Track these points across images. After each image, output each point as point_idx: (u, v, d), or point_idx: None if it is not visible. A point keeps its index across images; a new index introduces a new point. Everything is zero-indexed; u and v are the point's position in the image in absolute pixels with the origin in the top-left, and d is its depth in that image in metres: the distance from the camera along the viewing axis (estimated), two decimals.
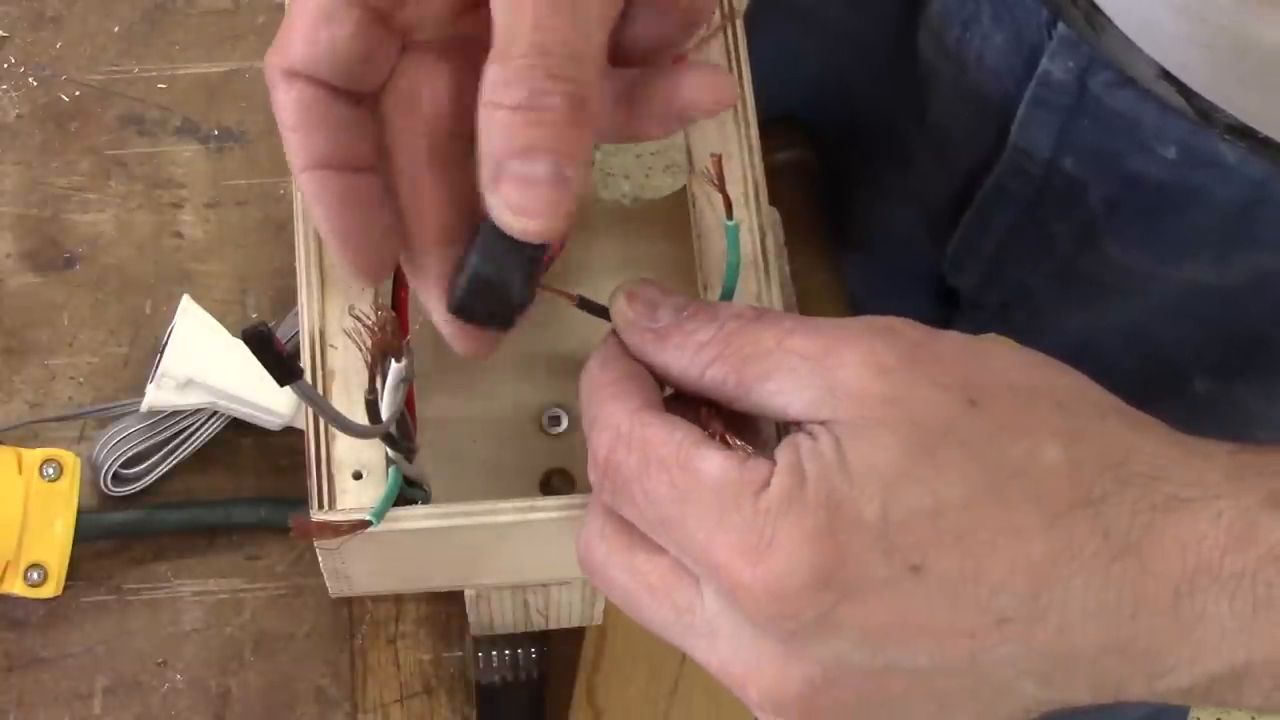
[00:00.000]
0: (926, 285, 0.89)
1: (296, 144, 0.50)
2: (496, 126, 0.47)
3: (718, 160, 0.54)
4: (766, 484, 0.45)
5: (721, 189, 0.54)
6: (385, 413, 0.52)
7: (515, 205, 0.47)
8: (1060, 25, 0.67)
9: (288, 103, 0.50)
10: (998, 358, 0.47)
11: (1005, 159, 0.73)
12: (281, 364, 0.46)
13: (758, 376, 0.47)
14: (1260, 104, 0.62)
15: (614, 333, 0.51)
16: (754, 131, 0.61)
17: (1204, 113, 0.64)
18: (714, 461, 0.45)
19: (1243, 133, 0.63)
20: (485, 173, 0.48)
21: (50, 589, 0.65)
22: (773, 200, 0.61)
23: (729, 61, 0.62)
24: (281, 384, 0.47)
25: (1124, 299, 0.75)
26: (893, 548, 0.43)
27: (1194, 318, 0.74)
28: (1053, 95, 0.69)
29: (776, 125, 0.91)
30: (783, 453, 0.45)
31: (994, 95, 0.72)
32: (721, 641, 0.46)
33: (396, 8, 0.50)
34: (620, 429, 0.47)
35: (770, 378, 0.47)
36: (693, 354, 0.48)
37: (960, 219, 0.80)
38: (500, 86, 0.47)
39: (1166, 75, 0.64)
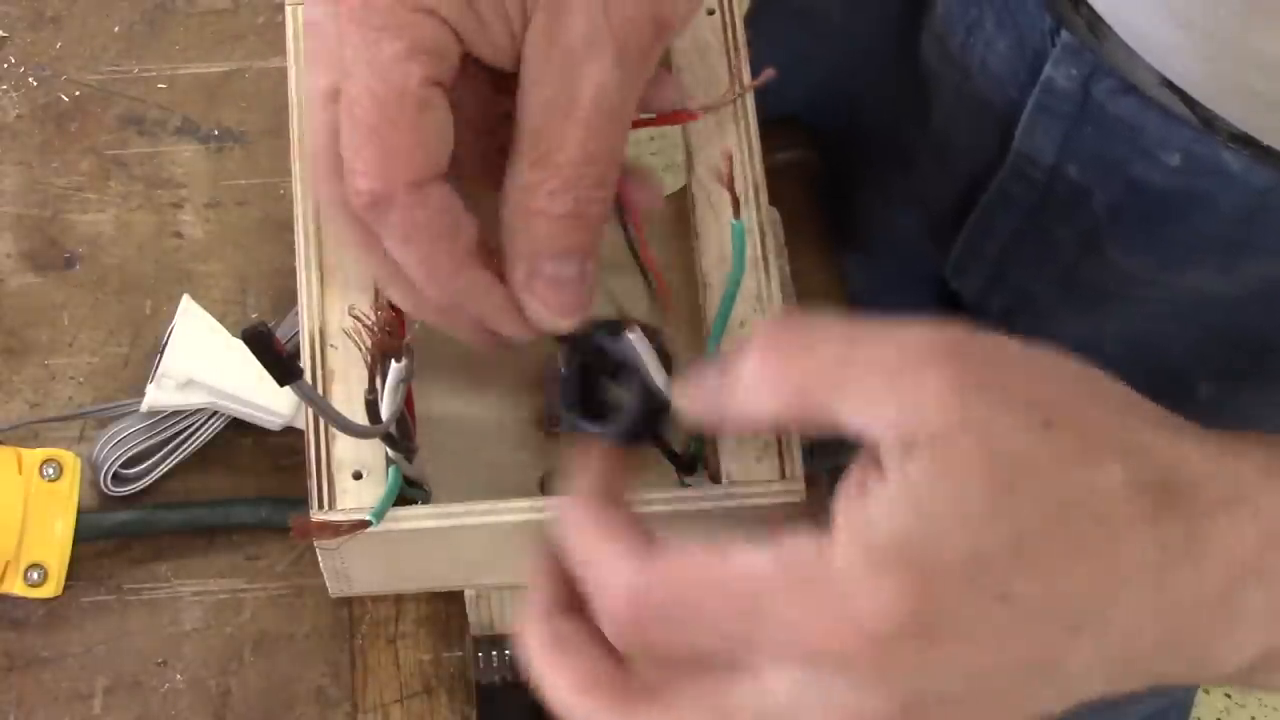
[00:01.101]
0: (929, 287, 0.89)
1: (446, 252, 0.50)
2: (537, 231, 0.49)
3: (729, 160, 0.54)
4: (818, 554, 0.43)
5: (730, 188, 0.54)
6: (385, 413, 0.52)
7: (553, 306, 0.50)
8: (1063, 33, 0.67)
9: (429, 215, 0.49)
10: (1062, 370, 0.47)
11: (1008, 164, 0.73)
12: (281, 364, 0.46)
13: (828, 399, 0.45)
14: (1263, 115, 0.62)
15: (582, 467, 0.50)
16: (754, 132, 0.61)
17: (1207, 121, 0.64)
18: (752, 557, 0.44)
19: (1246, 141, 0.63)
20: (519, 274, 0.50)
21: (50, 589, 0.65)
22: (773, 200, 0.61)
23: (729, 64, 0.62)
24: (281, 384, 0.47)
25: (1127, 305, 0.75)
26: (980, 584, 0.43)
27: (1198, 324, 0.74)
28: (1056, 102, 0.69)
29: (777, 125, 0.91)
30: (846, 500, 0.44)
31: (997, 101, 0.72)
32: (811, 712, 0.44)
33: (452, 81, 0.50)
34: (634, 582, 0.45)
35: (845, 398, 0.45)
36: (752, 394, 0.46)
37: (963, 223, 0.80)
38: (544, 194, 0.49)
39: (1169, 84, 0.64)
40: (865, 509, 0.44)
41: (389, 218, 0.49)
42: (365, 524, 0.54)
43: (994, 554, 0.43)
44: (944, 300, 0.88)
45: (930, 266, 0.86)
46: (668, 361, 0.52)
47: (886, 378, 0.44)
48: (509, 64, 0.50)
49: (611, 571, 0.46)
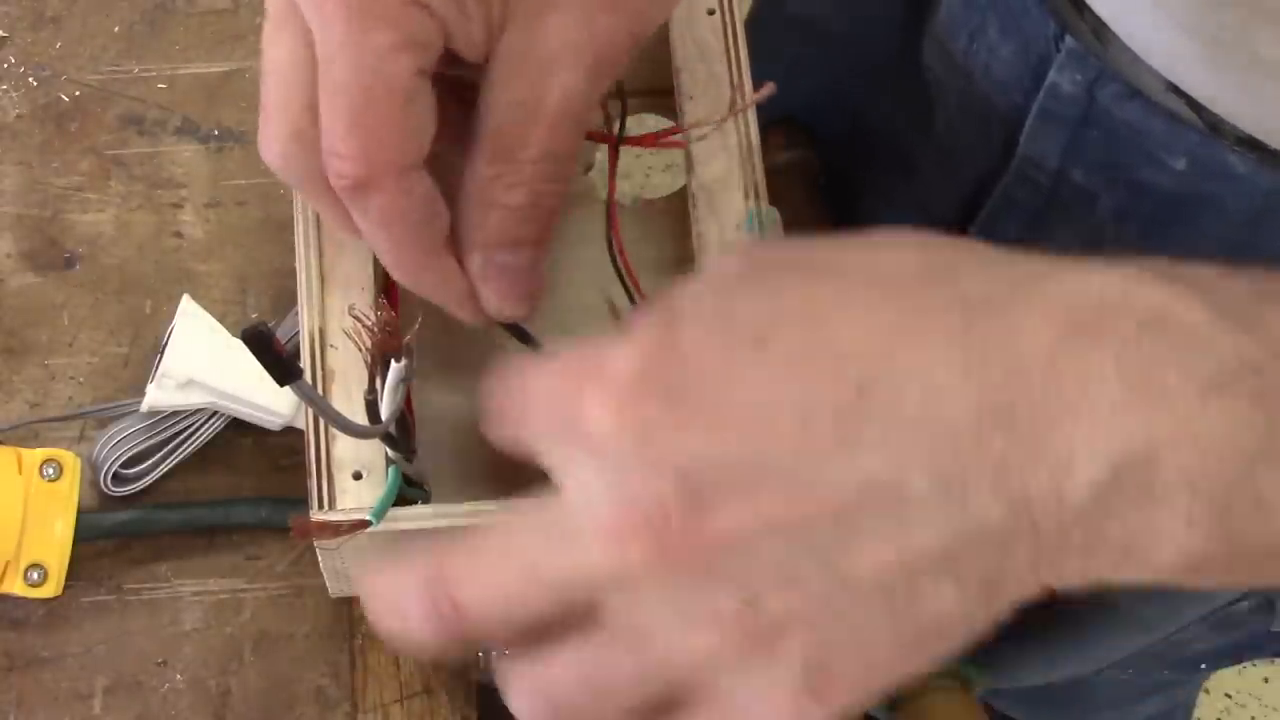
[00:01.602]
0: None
1: (419, 239, 0.51)
2: (493, 222, 0.51)
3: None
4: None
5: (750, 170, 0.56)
6: (385, 412, 0.52)
7: (505, 294, 0.52)
8: (1068, 38, 0.67)
9: (410, 202, 0.50)
10: (891, 250, 0.43)
11: (1013, 169, 0.73)
12: (281, 364, 0.46)
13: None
14: (1270, 119, 0.62)
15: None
16: (754, 132, 0.61)
17: (1213, 125, 0.64)
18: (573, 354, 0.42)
19: (1252, 145, 0.63)
20: (475, 262, 0.52)
21: (50, 589, 0.65)
22: (773, 201, 0.61)
23: (730, 69, 0.62)
24: (281, 384, 0.47)
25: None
26: (730, 329, 0.40)
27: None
28: (1061, 107, 0.69)
29: (777, 126, 0.91)
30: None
31: (1001, 106, 0.72)
32: (596, 505, 0.40)
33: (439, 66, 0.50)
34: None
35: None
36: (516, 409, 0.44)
37: (967, 229, 0.80)
38: (503, 187, 0.50)
39: (1174, 89, 0.64)
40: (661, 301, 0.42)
41: (370, 202, 0.50)
42: (365, 524, 0.54)
43: (747, 311, 0.40)
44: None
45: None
46: None
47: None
48: (479, 58, 0.51)
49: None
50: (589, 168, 0.68)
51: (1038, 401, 0.38)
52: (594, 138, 0.60)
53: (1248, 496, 0.38)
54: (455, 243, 0.53)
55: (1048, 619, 0.46)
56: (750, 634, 0.39)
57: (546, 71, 0.50)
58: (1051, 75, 0.68)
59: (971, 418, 0.38)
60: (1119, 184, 0.69)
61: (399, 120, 0.49)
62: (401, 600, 0.42)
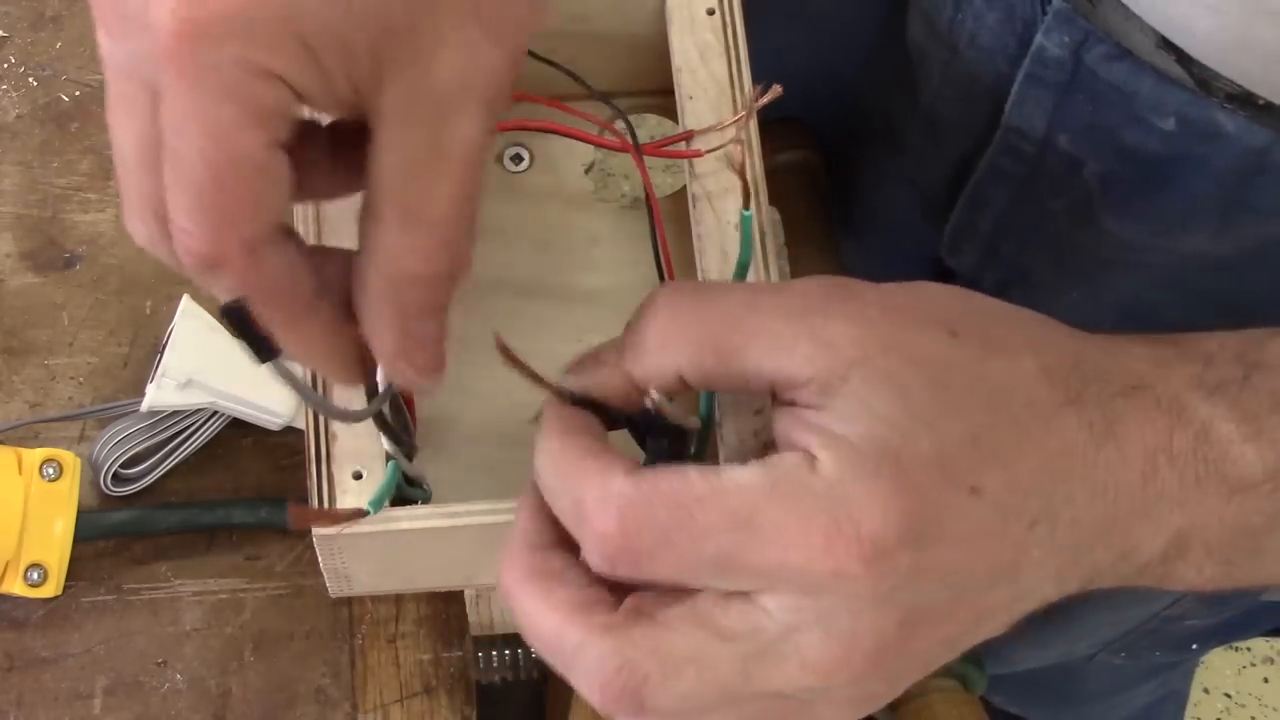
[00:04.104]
0: (923, 267, 0.89)
1: (279, 310, 0.47)
2: (410, 295, 0.47)
3: (741, 148, 0.54)
4: (810, 468, 0.44)
5: (742, 175, 0.55)
6: (373, 403, 0.52)
7: (422, 367, 0.48)
8: (1055, 0, 0.67)
9: (260, 278, 0.46)
10: (942, 294, 0.49)
11: (999, 139, 0.73)
12: (260, 341, 0.45)
13: (739, 345, 0.46)
14: (1265, 68, 0.62)
15: (554, 410, 0.49)
16: (754, 132, 0.61)
17: (1204, 82, 0.64)
18: (745, 473, 0.44)
19: (1244, 100, 0.63)
20: (389, 340, 0.47)
21: (50, 589, 0.65)
22: (774, 201, 0.61)
23: (730, 69, 0.62)
24: (261, 361, 0.46)
25: (1122, 273, 0.76)
26: (953, 478, 0.44)
27: (1193, 290, 0.74)
28: (1047, 72, 0.69)
29: (778, 126, 0.91)
30: (800, 430, 0.45)
31: (986, 75, 0.73)
32: (808, 636, 0.45)
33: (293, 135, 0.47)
34: (625, 494, 0.45)
35: (754, 343, 0.46)
36: (658, 351, 0.47)
37: (956, 201, 0.80)
38: (420, 257, 0.46)
39: (1165, 44, 0.64)
40: (824, 430, 0.44)
41: (220, 279, 0.46)
42: (363, 513, 0.54)
43: (956, 447, 0.45)
44: (939, 279, 0.88)
45: (926, 247, 0.86)
46: None
47: (792, 320, 0.46)
48: (349, 115, 0.47)
49: (600, 486, 0.45)
50: (589, 168, 0.68)
51: (1130, 513, 0.47)
52: (612, 147, 0.60)
53: (1248, 550, 0.49)
54: (359, 313, 0.48)
55: None
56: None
57: (442, 119, 0.46)
58: (1038, 39, 0.68)
59: (1092, 539, 0.47)
60: (1105, 149, 0.70)
61: (247, 196, 0.45)
62: (591, 684, 0.46)
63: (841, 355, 0.45)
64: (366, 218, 0.47)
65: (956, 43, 0.73)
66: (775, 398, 0.47)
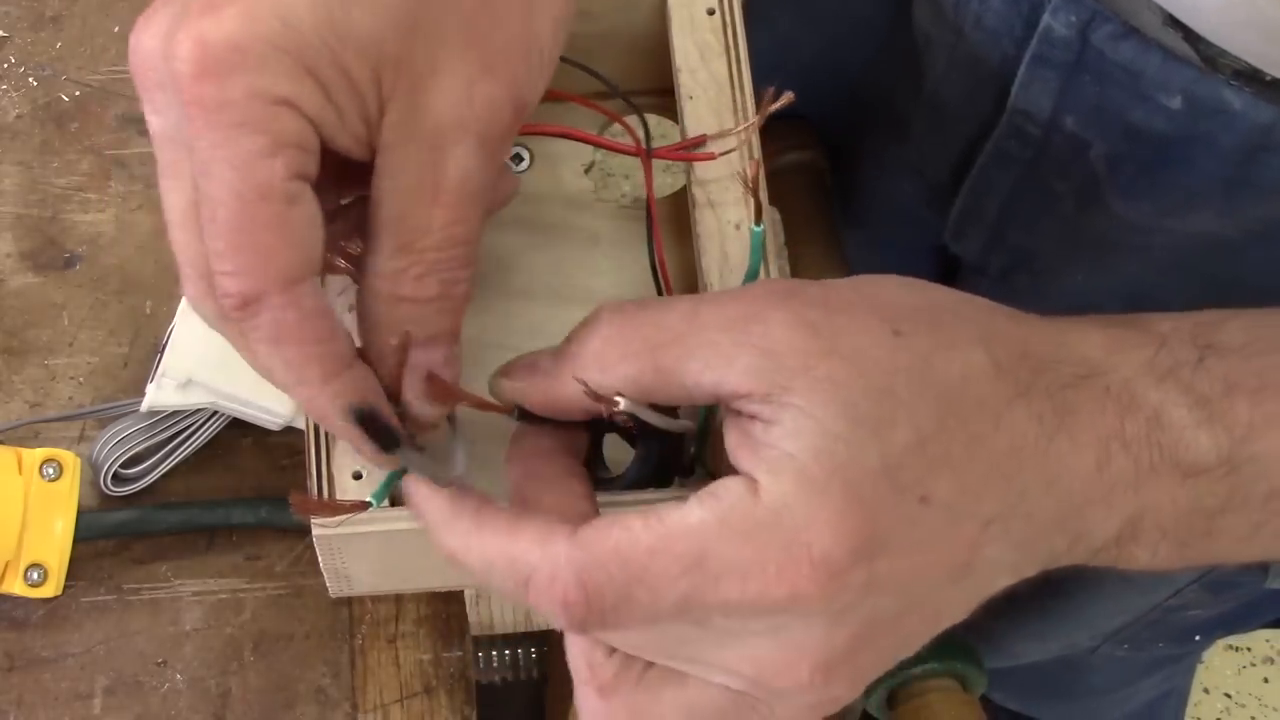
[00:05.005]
0: (927, 256, 0.89)
1: (318, 356, 0.48)
2: (404, 317, 0.48)
3: (755, 164, 0.54)
4: (754, 496, 0.44)
5: (755, 194, 0.55)
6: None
7: (425, 394, 0.49)
8: None
9: (301, 316, 0.47)
10: (887, 287, 0.49)
11: (1004, 122, 0.74)
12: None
13: (677, 359, 0.46)
14: (1271, 43, 0.62)
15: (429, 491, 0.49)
16: (754, 131, 0.61)
17: (1210, 59, 0.64)
18: (691, 513, 0.44)
19: (1250, 77, 0.63)
20: (389, 363, 0.48)
21: (50, 589, 0.65)
22: (778, 201, 0.61)
23: (729, 61, 0.62)
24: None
25: (1128, 256, 0.76)
26: (903, 487, 0.44)
27: (1198, 273, 0.75)
28: (1054, 52, 0.69)
29: (783, 126, 0.91)
30: (745, 450, 0.45)
31: (992, 58, 0.73)
32: (760, 641, 0.45)
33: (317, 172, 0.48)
34: (575, 559, 0.45)
35: (693, 356, 0.46)
36: (597, 367, 0.47)
37: (961, 186, 0.80)
38: (410, 280, 0.47)
39: (1172, 21, 0.64)
40: (771, 447, 0.44)
41: (259, 319, 0.47)
42: (365, 505, 0.54)
43: (904, 456, 0.45)
44: (943, 266, 0.88)
45: (930, 235, 0.86)
46: None
47: (733, 330, 0.46)
48: (364, 154, 0.48)
49: (544, 556, 0.45)
50: (589, 168, 0.68)
51: (1086, 500, 0.48)
52: (621, 150, 0.60)
53: (1201, 532, 0.49)
54: (364, 346, 0.49)
55: (1038, 584, 0.49)
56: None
57: (436, 150, 0.47)
58: (1045, 19, 0.68)
59: (1045, 529, 0.48)
60: (1112, 129, 0.70)
61: (279, 228, 0.46)
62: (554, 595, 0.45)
63: (783, 365, 0.45)
64: (365, 246, 0.48)
65: (962, 25, 0.74)
66: (722, 405, 0.47)
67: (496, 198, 0.53)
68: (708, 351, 0.46)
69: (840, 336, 0.46)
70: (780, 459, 0.44)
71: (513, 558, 0.46)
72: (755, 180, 0.55)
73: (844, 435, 0.44)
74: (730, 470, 0.46)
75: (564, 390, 0.48)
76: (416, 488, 0.49)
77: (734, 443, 0.46)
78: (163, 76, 0.46)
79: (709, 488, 0.45)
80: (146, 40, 0.46)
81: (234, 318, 0.47)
